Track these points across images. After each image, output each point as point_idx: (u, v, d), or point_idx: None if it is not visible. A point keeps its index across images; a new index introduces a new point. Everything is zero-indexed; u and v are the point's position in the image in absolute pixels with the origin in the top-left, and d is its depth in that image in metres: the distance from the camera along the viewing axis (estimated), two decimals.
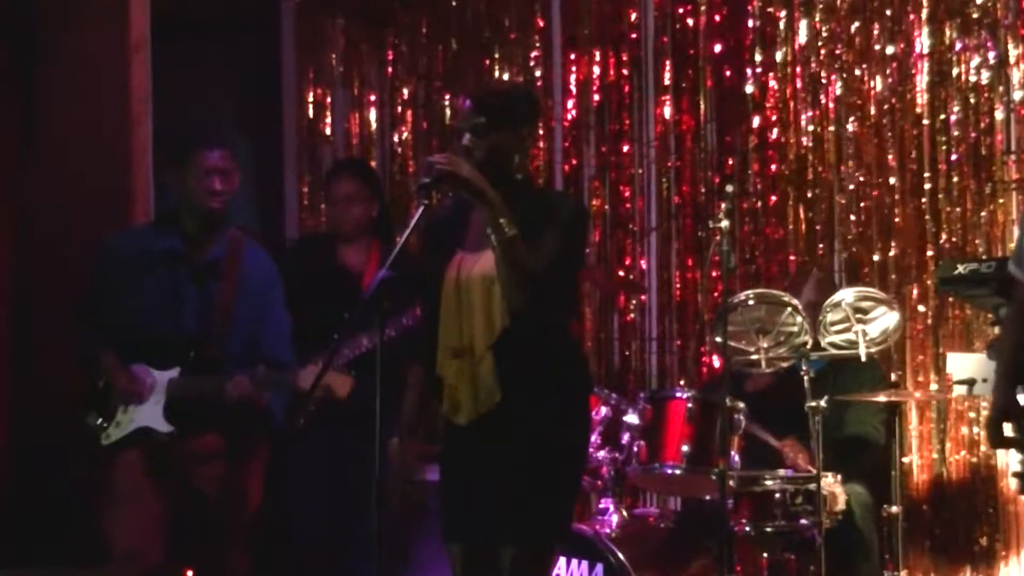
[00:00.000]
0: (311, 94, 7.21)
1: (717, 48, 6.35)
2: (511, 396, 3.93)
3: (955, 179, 5.87)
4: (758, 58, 6.25)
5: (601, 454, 5.20)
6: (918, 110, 5.94)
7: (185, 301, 4.79)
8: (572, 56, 6.71)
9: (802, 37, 6.15)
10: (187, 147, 4.84)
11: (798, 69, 6.16)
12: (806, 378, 5.03)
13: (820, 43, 6.13)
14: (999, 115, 5.79)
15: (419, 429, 4.25)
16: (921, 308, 5.91)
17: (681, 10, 6.43)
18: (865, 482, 5.40)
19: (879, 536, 5.36)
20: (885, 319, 5.12)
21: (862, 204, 6.04)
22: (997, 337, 4.64)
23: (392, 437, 4.17)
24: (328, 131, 7.18)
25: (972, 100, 5.84)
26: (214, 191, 4.79)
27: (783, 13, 6.18)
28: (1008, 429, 3.75)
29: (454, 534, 4.05)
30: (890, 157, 5.98)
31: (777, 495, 5.07)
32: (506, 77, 6.78)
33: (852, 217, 6.05)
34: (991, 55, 5.79)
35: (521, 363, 3.92)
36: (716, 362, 6.15)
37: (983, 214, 5.81)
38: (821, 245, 6.10)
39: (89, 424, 4.82)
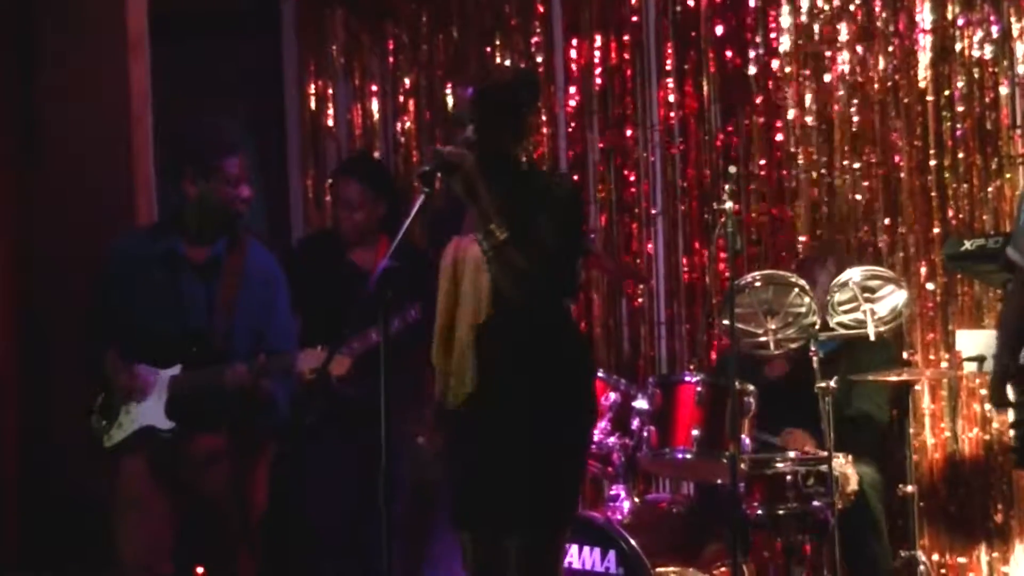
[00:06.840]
0: (313, 87, 7.18)
1: (719, 30, 6.32)
2: (503, 382, 3.91)
3: (961, 155, 5.84)
4: (760, 38, 6.22)
5: (611, 440, 5.18)
6: (922, 85, 5.90)
7: (188, 299, 4.76)
8: (574, 41, 6.67)
9: (804, 16, 6.11)
10: (208, 152, 4.79)
11: (800, 48, 6.13)
12: (815, 359, 5.01)
13: (822, 21, 6.09)
14: (1004, 89, 5.76)
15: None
16: (930, 286, 5.88)
17: None
18: (873, 461, 5.38)
19: (890, 515, 5.34)
20: (893, 297, 5.09)
21: (868, 183, 6.01)
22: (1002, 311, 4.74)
23: (414, 434, 4.14)
24: (331, 123, 7.15)
25: (976, 75, 5.81)
26: (243, 197, 4.79)
27: None
28: (1010, 392, 4.27)
29: (461, 523, 4.05)
30: (895, 134, 5.95)
31: (789, 477, 5.04)
32: (508, 64, 6.74)
33: (858, 196, 6.02)
34: (994, 29, 5.76)
35: (509, 349, 3.91)
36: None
37: (990, 189, 5.78)
38: (828, 225, 6.07)
39: (92, 427, 4.79)
